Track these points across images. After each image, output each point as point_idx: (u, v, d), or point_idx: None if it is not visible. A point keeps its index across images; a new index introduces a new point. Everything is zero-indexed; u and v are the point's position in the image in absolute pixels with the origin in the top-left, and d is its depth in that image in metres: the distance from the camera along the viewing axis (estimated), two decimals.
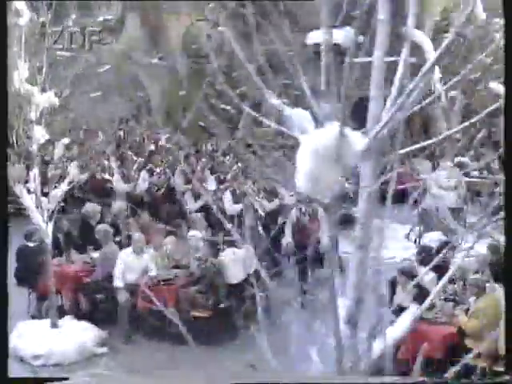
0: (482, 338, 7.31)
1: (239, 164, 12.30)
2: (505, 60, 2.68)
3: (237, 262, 9.13)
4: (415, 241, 12.79)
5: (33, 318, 9.28)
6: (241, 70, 21.35)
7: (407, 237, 13.14)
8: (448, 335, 7.38)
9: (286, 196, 10.86)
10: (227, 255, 9.05)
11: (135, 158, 12.95)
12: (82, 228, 10.13)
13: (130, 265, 8.94)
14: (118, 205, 10.57)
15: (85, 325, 8.68)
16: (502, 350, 7.21)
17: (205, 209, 10.61)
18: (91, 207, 10.47)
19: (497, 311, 7.34)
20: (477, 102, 16.84)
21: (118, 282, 8.89)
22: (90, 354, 8.40)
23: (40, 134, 8.41)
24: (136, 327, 9.00)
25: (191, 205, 10.80)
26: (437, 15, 18.58)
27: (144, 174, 11.97)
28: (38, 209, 8.41)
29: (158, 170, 12.01)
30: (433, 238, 11.48)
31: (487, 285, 7.56)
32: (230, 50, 21.77)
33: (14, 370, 7.97)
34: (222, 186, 11.14)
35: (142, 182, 11.84)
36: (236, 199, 10.61)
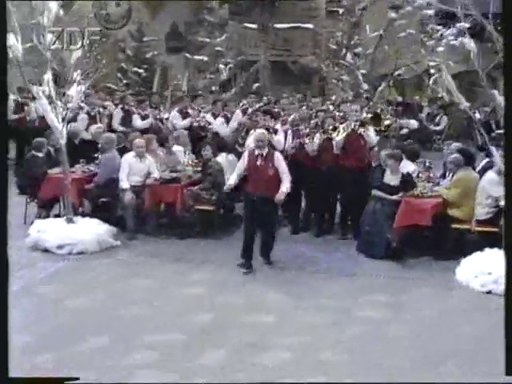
0: (461, 205, 8.50)
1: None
2: (504, 61, 2.60)
3: (228, 165, 9.71)
4: None
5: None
6: (150, 36, 21.71)
7: None
8: (435, 206, 8.40)
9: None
10: (222, 158, 9.61)
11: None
12: (69, 145, 10.20)
13: (134, 167, 9.23)
14: None
15: (97, 221, 8.89)
16: (478, 216, 8.44)
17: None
18: (74, 127, 10.58)
19: (472, 182, 8.53)
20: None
21: (124, 184, 9.14)
22: (108, 245, 8.62)
23: (51, 39, 8.54)
24: (141, 227, 9.30)
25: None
26: None
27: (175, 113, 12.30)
28: (53, 111, 8.57)
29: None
30: None
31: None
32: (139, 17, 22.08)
33: (39, 258, 8.15)
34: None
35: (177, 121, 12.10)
36: None
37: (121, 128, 11.94)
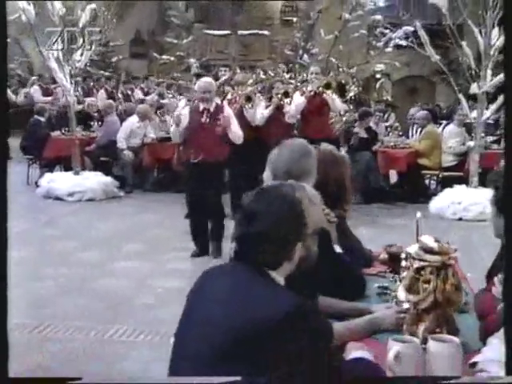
0: (430, 155, 9.39)
1: None
2: (504, 57, 2.28)
3: None
4: None
5: (37, 186, 9.52)
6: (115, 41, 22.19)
7: None
8: (408, 155, 9.29)
9: None
10: None
11: None
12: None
13: (135, 130, 9.73)
14: None
15: (100, 173, 9.33)
16: (444, 163, 9.34)
17: None
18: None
19: (438, 135, 9.50)
20: None
21: (121, 144, 9.61)
22: (113, 194, 9.08)
23: (59, 6, 9.05)
24: (140, 183, 9.77)
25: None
26: None
27: None
28: (61, 71, 9.05)
29: None
30: None
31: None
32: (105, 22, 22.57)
33: (50, 205, 8.55)
34: None
35: None
36: None
37: None
